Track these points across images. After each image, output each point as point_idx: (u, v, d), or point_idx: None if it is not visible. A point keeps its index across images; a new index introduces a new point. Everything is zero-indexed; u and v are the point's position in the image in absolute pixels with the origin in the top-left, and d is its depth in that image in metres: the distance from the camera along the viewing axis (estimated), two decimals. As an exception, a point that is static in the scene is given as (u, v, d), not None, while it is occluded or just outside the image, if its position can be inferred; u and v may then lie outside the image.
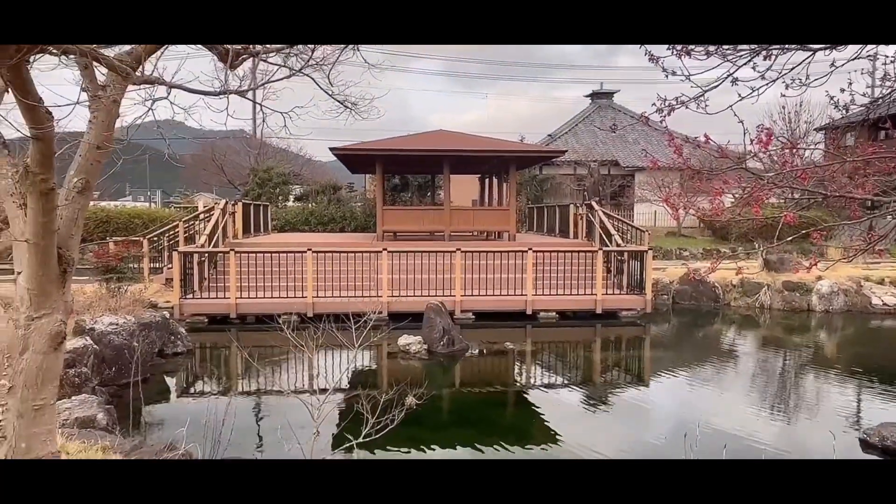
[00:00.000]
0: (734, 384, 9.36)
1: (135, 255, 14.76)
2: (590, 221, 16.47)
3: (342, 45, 2.97)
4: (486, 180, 22.52)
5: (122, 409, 6.68)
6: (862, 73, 3.93)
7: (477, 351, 10.64)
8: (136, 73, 2.24)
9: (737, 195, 5.50)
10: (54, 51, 2.39)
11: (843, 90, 3.92)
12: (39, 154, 2.49)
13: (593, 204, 16.58)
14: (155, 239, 16.18)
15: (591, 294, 13.13)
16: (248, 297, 12.55)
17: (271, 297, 12.52)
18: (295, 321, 11.98)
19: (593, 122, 31.86)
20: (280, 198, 26.14)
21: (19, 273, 2.80)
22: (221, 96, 2.40)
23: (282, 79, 2.41)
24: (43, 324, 2.77)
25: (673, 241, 22.95)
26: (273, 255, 12.99)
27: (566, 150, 20.48)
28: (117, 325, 8.53)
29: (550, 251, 13.69)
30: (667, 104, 2.82)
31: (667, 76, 3.07)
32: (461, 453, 6.16)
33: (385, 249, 12.86)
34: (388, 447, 5.75)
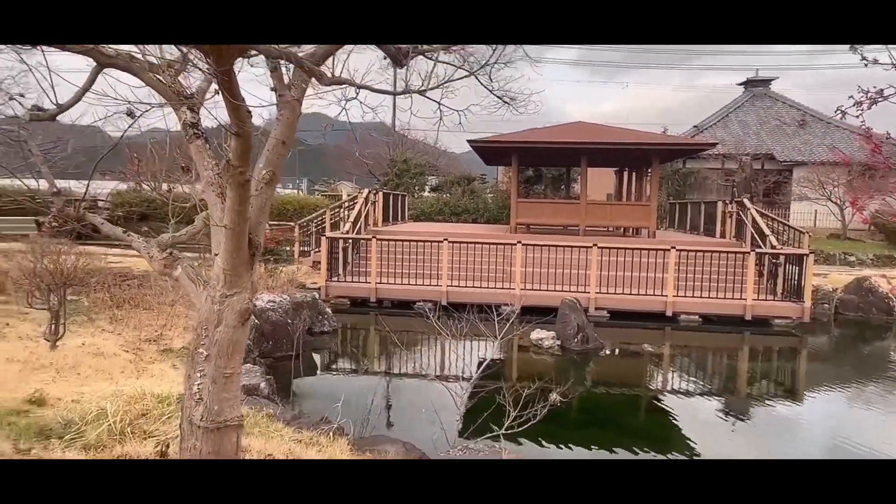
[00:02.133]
0: (911, 410, 8.29)
1: (287, 238, 16.04)
2: (740, 220, 15.32)
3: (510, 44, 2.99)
4: (624, 173, 21.69)
5: (278, 381, 7.30)
6: None
7: (611, 350, 10.33)
8: (328, 75, 2.43)
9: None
10: (256, 53, 2.63)
11: None
12: (239, 149, 2.75)
13: (745, 201, 15.38)
14: (304, 224, 17.43)
15: (740, 299, 12.23)
16: (387, 283, 13.13)
17: (408, 284, 13.01)
18: (430, 308, 12.40)
19: (746, 111, 29.51)
20: (416, 188, 26.99)
21: (216, 255, 3.14)
22: (405, 96, 2.53)
23: (460, 78, 2.49)
24: (234, 301, 3.08)
25: (836, 244, 20.69)
26: (411, 243, 13.47)
27: (716, 143, 19.13)
28: (275, 302, 9.31)
29: (695, 251, 12.91)
30: (868, 96, 2.53)
31: (866, 65, 2.75)
32: (596, 454, 6.03)
33: (520, 242, 12.84)
34: (528, 441, 5.76)
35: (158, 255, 3.29)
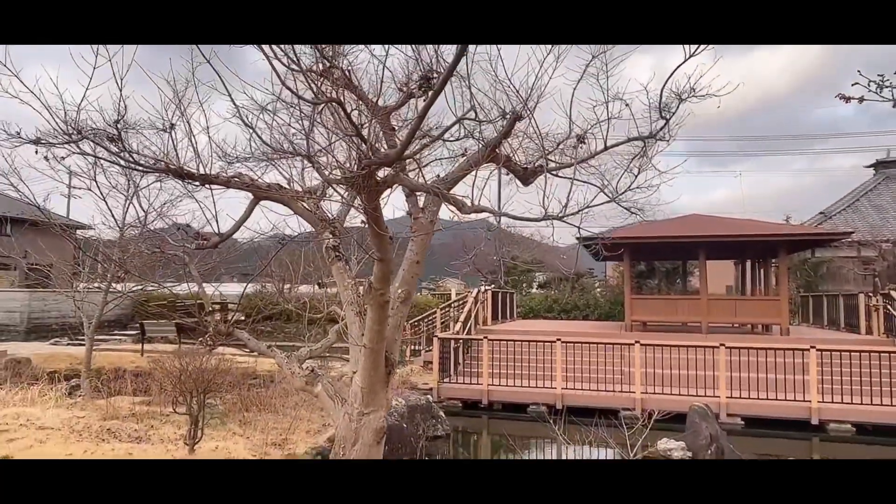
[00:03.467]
0: None
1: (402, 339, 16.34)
2: (888, 314, 13.79)
3: (641, 156, 3.00)
4: (746, 265, 20.48)
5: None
6: None
7: (752, 464, 9.31)
8: (468, 204, 2.55)
9: None
10: (397, 186, 2.81)
11: None
12: (381, 273, 2.90)
13: (893, 293, 13.91)
14: (415, 324, 17.75)
15: (901, 406, 10.76)
16: (499, 385, 12.87)
17: (521, 387, 12.68)
18: (544, 412, 11.92)
19: (880, 194, 27.35)
20: (524, 285, 26.95)
21: (354, 373, 3.24)
22: (545, 222, 2.60)
23: (600, 204, 2.52)
24: (371, 419, 3.13)
25: None
26: (523, 343, 13.25)
27: (852, 232, 17.74)
28: (391, 406, 9.37)
29: (840, 350, 11.66)
30: None
31: None
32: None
33: (637, 342, 12.26)
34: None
35: (300, 372, 3.45)
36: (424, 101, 2.39)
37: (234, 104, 2.99)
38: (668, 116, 3.20)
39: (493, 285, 23.83)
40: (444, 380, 13.41)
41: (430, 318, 18.19)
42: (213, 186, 3.60)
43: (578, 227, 2.60)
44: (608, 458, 9.42)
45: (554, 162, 3.42)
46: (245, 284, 4.20)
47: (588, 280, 28.87)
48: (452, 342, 14.07)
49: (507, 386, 12.83)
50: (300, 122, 3.02)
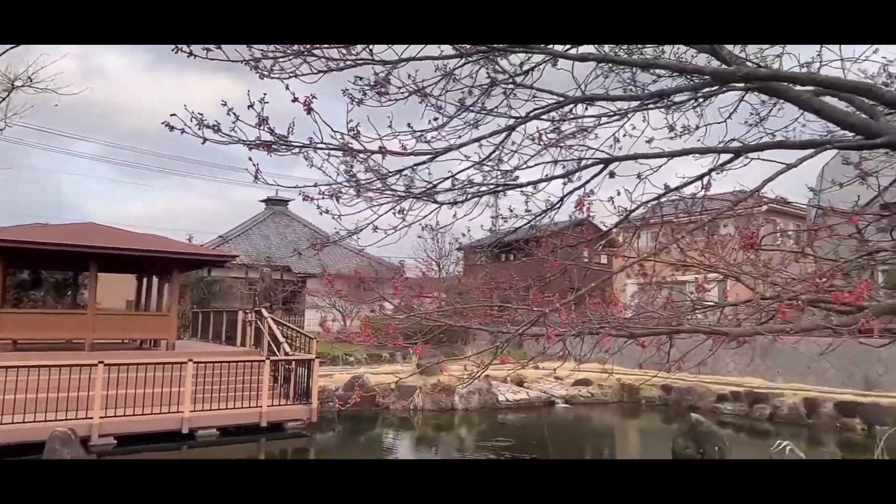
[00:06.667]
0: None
1: None
2: (258, 328, 16.11)
3: None
4: (145, 280, 20.38)
5: None
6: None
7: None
8: None
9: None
10: None
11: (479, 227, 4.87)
12: None
13: (263, 310, 16.34)
14: None
15: (257, 406, 12.62)
16: None
17: None
18: None
19: (268, 226, 32.15)
20: None
21: None
22: None
23: None
24: None
25: (341, 346, 23.83)
26: None
27: (237, 255, 20.00)
28: None
29: (213, 361, 12.84)
30: (318, 243, 3.07)
31: (319, 213, 3.33)
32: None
33: (-5, 365, 10.36)
34: None
35: None
36: None
37: None
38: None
39: None
40: None
41: None
42: None
43: None
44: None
45: None
46: None
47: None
48: None
49: None
50: None
